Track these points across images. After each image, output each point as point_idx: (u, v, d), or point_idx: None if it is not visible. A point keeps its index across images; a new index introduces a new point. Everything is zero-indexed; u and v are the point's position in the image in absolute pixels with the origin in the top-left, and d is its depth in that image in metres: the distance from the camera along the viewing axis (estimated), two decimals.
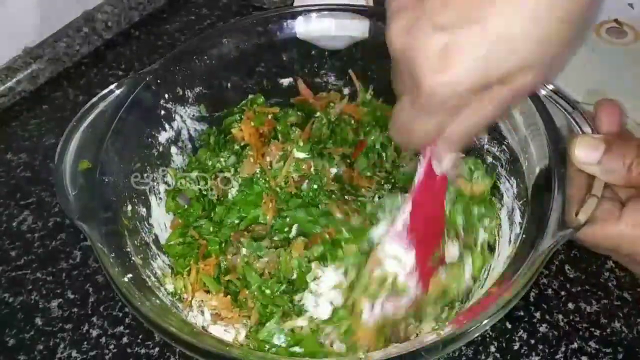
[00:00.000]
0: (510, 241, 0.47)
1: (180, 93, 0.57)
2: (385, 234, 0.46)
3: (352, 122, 0.61)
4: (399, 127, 0.35)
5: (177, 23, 0.91)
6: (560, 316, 0.54)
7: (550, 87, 0.45)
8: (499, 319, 0.35)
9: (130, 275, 0.41)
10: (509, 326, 0.54)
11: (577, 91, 0.64)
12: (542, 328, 0.53)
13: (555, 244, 0.37)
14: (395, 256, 0.44)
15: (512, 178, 0.50)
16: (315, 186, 0.55)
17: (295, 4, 0.68)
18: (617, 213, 0.39)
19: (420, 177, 0.40)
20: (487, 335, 0.53)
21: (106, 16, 0.86)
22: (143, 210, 0.51)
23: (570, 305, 0.55)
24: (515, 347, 0.52)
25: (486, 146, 0.55)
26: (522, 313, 0.54)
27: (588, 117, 0.43)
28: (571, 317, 0.54)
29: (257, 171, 0.56)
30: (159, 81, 0.54)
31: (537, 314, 0.54)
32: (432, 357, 0.35)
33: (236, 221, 0.55)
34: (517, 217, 0.47)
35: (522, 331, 0.53)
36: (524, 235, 0.42)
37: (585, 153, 0.39)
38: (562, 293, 0.56)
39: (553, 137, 0.43)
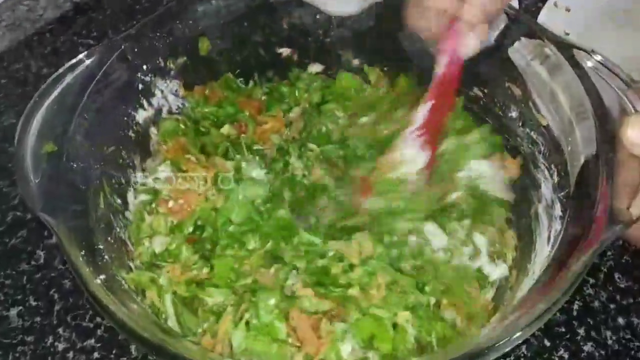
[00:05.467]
0: (549, 240, 0.47)
1: (161, 64, 0.58)
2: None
3: None
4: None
5: None
6: (609, 333, 0.54)
7: (599, 57, 0.45)
8: (534, 333, 0.36)
9: (103, 277, 0.42)
10: (548, 344, 0.54)
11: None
12: (587, 347, 0.54)
13: (603, 243, 0.37)
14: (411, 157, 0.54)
15: (552, 166, 0.51)
16: None
17: None
18: None
19: (441, 70, 0.50)
20: (522, 355, 0.53)
21: None
22: (118, 202, 0.52)
23: (621, 320, 0.55)
24: None
25: (520, 129, 0.55)
26: (563, 329, 0.55)
27: None
28: (621, 334, 0.54)
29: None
30: (136, 49, 0.54)
31: (581, 330, 0.55)
32: None
33: None
34: (558, 212, 0.47)
35: (562, 350, 0.54)
36: (565, 233, 0.42)
37: (638, 134, 0.39)
38: (611, 306, 0.56)
39: (602, 118, 0.43)
